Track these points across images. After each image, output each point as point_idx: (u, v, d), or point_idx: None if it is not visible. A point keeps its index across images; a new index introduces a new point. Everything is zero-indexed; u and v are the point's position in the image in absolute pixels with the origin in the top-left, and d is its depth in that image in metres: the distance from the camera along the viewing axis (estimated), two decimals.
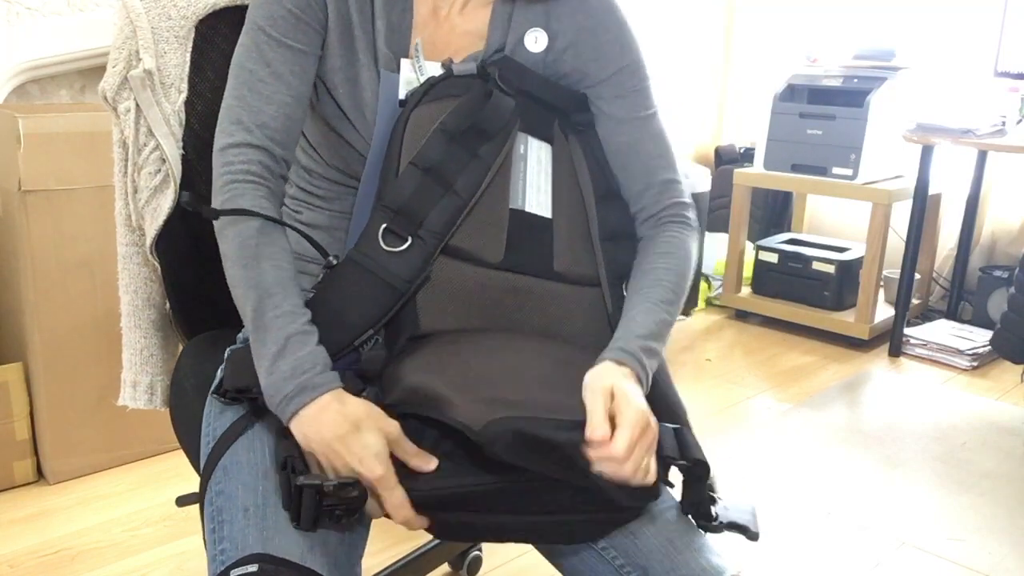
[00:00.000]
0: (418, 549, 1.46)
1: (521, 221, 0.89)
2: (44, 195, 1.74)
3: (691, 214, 0.98)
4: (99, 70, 2.11)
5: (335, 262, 0.85)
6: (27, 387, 1.83)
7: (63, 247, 1.78)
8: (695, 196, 3.08)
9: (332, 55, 0.91)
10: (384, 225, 0.83)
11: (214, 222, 0.84)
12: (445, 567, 1.60)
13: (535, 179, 0.91)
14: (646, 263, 0.93)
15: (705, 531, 0.84)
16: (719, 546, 0.83)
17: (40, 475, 1.89)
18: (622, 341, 0.84)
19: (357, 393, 0.78)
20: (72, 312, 1.82)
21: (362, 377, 0.81)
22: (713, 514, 0.84)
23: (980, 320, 3.01)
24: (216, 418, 0.87)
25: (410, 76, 0.91)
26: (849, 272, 2.96)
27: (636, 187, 0.96)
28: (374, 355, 0.81)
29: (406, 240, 0.83)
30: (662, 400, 0.86)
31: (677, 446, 0.82)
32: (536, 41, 0.95)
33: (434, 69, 0.91)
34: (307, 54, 0.89)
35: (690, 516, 0.85)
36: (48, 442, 1.84)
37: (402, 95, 0.91)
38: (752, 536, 0.83)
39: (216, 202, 0.86)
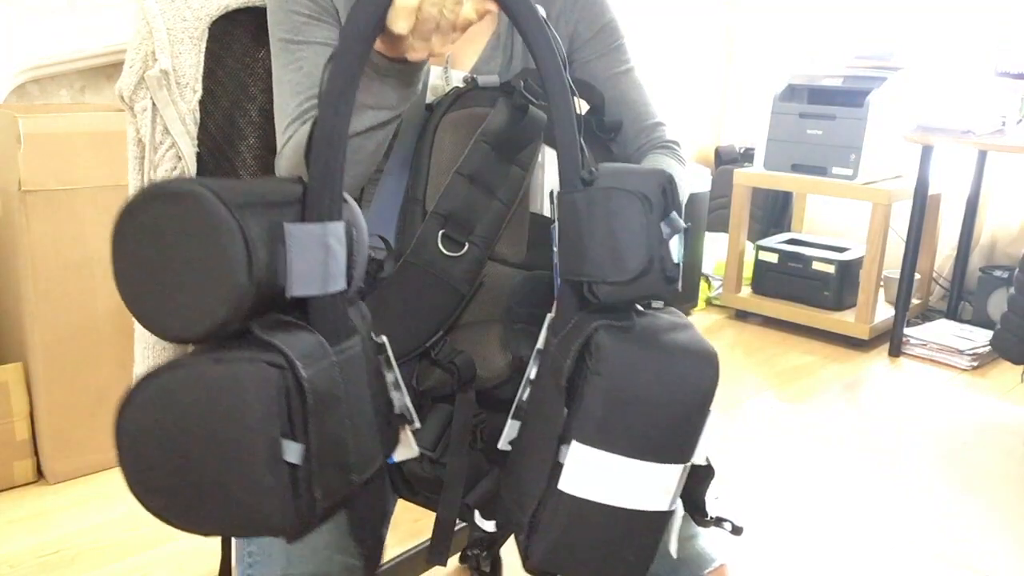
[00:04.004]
0: (418, 547, 1.46)
1: (539, 224, 0.92)
2: (44, 195, 1.74)
3: (678, 149, 1.06)
4: (99, 70, 2.11)
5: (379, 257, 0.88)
6: (27, 387, 1.83)
7: (63, 247, 1.78)
8: (695, 196, 3.09)
9: None
10: (442, 231, 0.87)
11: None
12: (450, 562, 1.60)
13: (551, 185, 0.95)
14: None
15: (698, 524, 0.86)
16: (711, 537, 0.87)
17: (40, 475, 1.89)
18: None
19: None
20: (72, 312, 1.82)
21: (438, 366, 0.84)
22: (707, 510, 0.86)
23: (980, 320, 3.01)
24: None
25: (436, 83, 0.96)
26: (849, 272, 2.96)
27: (628, 135, 1.06)
28: (448, 349, 0.86)
29: (463, 245, 0.87)
30: None
31: None
32: None
33: (457, 79, 0.96)
34: (331, 47, 0.94)
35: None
36: (48, 442, 1.84)
37: (428, 99, 0.95)
38: (737, 530, 0.86)
39: (280, 159, 0.94)
